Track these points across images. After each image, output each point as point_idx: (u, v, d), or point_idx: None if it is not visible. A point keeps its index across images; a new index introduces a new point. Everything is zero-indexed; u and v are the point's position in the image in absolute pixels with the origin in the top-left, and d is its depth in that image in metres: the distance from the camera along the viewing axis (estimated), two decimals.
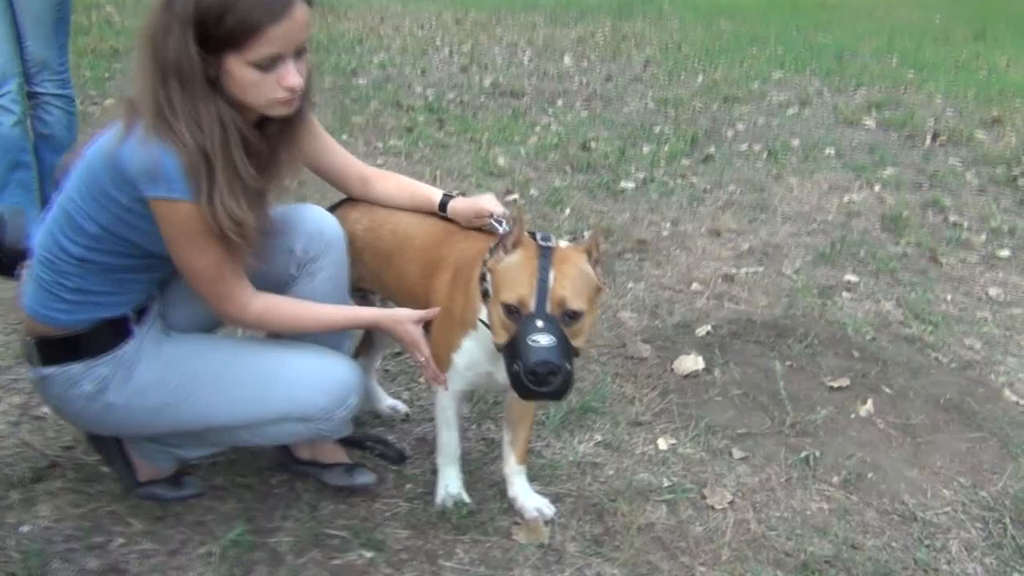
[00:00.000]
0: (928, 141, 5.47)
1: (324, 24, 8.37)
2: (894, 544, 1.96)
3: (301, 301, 1.76)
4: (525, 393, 1.54)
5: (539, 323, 1.52)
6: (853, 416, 2.41)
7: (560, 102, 6.07)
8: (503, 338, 1.58)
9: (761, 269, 3.41)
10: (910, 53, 8.91)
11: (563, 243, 1.66)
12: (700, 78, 7.17)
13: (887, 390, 2.54)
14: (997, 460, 2.29)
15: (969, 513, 2.08)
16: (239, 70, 1.48)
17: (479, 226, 1.88)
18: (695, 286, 3.20)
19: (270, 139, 1.64)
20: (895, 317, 3.07)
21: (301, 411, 1.71)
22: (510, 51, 7.96)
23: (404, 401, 2.35)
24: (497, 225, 1.83)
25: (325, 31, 7.94)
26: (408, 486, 2.03)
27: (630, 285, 3.19)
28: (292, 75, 1.51)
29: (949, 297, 3.31)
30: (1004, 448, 2.33)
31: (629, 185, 4.34)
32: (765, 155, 5.02)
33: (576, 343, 1.56)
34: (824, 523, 2.00)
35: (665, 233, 3.74)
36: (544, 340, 1.51)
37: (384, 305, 2.05)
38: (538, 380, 1.50)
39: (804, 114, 6.11)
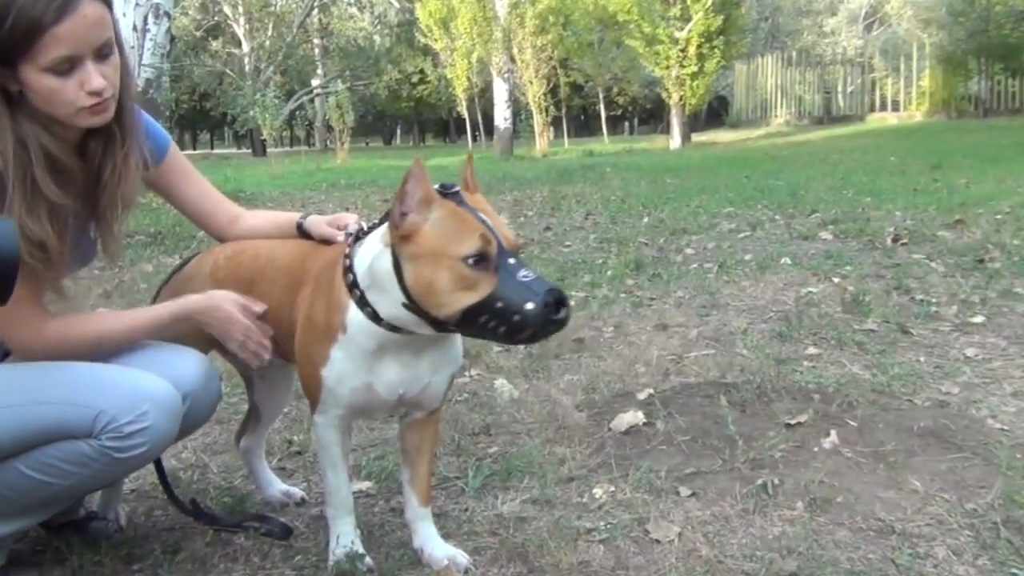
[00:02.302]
0: (889, 243, 5.74)
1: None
2: (871, 556, 1.89)
3: (103, 311, 1.76)
4: (545, 328, 1.53)
5: (513, 260, 1.56)
6: (816, 449, 2.38)
7: None
8: (469, 298, 1.55)
9: (712, 352, 3.46)
10: (866, 185, 9.49)
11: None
12: (645, 220, 7.54)
13: (852, 423, 2.53)
14: (983, 476, 2.25)
15: (956, 523, 2.02)
16: (37, 79, 1.57)
17: (332, 237, 1.92)
18: (639, 367, 3.22)
19: (91, 159, 1.72)
20: (863, 377, 3.10)
21: (79, 417, 1.62)
22: None
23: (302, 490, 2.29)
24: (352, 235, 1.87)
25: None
26: (297, 558, 1.94)
27: (566, 376, 3.20)
28: (94, 77, 1.59)
29: (922, 359, 3.36)
30: (990, 465, 2.31)
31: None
32: (716, 269, 5.20)
33: None
34: (789, 544, 1.93)
35: (608, 334, 3.80)
36: (531, 272, 1.55)
37: None
38: (559, 304, 1.52)
39: (756, 235, 6.41)
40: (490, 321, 1.54)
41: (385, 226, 1.69)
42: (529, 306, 1.51)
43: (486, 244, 1.55)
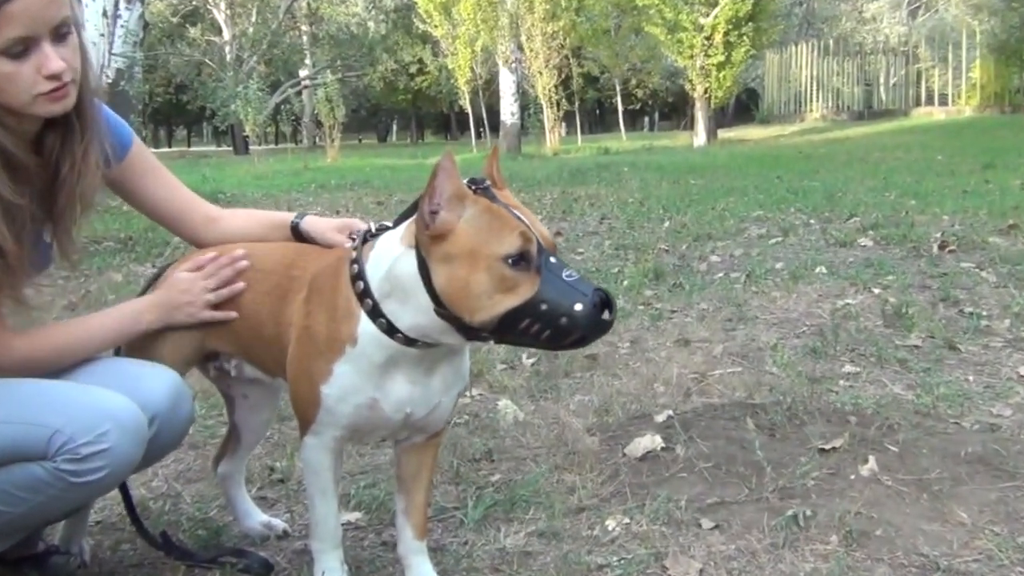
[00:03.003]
0: (935, 250, 5.74)
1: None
2: None
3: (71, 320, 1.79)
4: (594, 330, 1.56)
5: (554, 259, 1.58)
6: (853, 477, 2.39)
7: None
8: (510, 300, 1.56)
9: (739, 370, 3.47)
10: (910, 187, 9.50)
11: None
12: (666, 224, 7.55)
13: (892, 448, 2.54)
14: None
15: (1007, 558, 2.02)
16: None
17: (340, 246, 1.92)
18: (658, 387, 3.23)
19: (48, 155, 1.73)
20: (906, 397, 3.10)
21: (32, 437, 1.62)
22: None
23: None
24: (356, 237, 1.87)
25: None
26: None
27: (577, 396, 3.21)
28: (52, 60, 1.60)
29: (971, 378, 3.36)
30: None
31: None
32: (743, 279, 5.21)
33: None
34: None
35: (623, 350, 3.81)
36: (575, 272, 1.58)
37: (239, 370, 2.07)
38: (605, 305, 1.54)
39: (789, 241, 6.42)
40: (532, 325, 1.55)
41: (403, 227, 1.69)
42: (578, 307, 1.52)
43: (527, 243, 1.56)
